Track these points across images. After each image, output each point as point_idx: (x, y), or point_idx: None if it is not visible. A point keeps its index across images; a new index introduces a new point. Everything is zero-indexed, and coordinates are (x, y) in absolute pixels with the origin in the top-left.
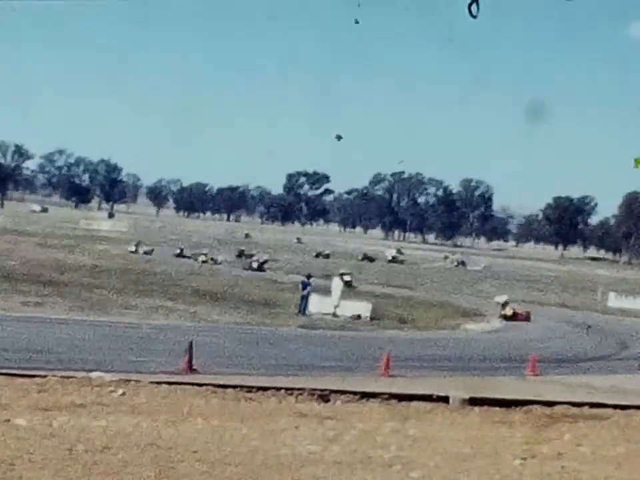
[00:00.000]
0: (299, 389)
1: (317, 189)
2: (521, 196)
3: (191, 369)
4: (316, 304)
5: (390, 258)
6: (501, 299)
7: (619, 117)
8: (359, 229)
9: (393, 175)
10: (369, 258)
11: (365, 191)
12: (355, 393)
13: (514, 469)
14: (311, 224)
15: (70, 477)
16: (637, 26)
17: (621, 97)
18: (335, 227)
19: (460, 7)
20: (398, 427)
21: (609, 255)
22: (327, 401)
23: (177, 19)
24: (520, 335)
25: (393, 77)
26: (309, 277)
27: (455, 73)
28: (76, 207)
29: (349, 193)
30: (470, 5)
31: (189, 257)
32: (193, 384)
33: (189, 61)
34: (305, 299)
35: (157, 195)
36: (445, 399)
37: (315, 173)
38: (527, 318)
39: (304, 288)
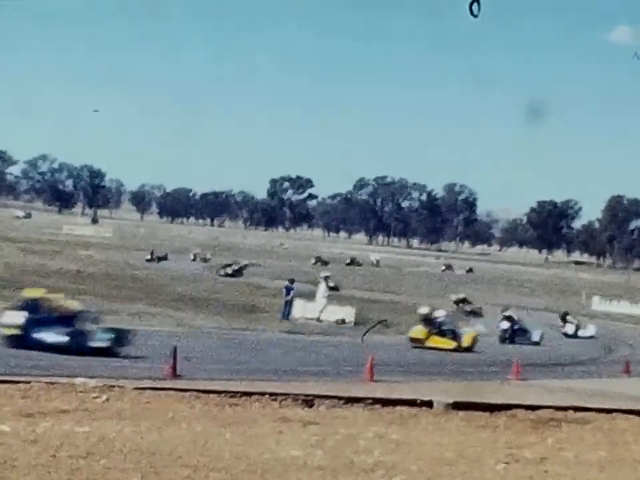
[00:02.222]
0: (282, 394)
1: (300, 193)
2: (504, 200)
3: (174, 374)
4: (300, 309)
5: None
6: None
7: (602, 121)
8: (342, 234)
9: (376, 179)
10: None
11: (348, 196)
12: (339, 398)
13: (496, 473)
14: (295, 229)
15: None
16: (617, 32)
17: (605, 101)
18: (318, 232)
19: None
20: (381, 431)
21: (593, 259)
22: (311, 406)
23: (171, 25)
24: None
25: (377, 82)
26: (292, 281)
27: (439, 78)
28: (59, 212)
29: (332, 197)
30: (471, 4)
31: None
32: (176, 389)
33: (174, 69)
34: (288, 304)
35: (140, 201)
36: (428, 404)
37: (299, 178)
38: None
39: (287, 293)
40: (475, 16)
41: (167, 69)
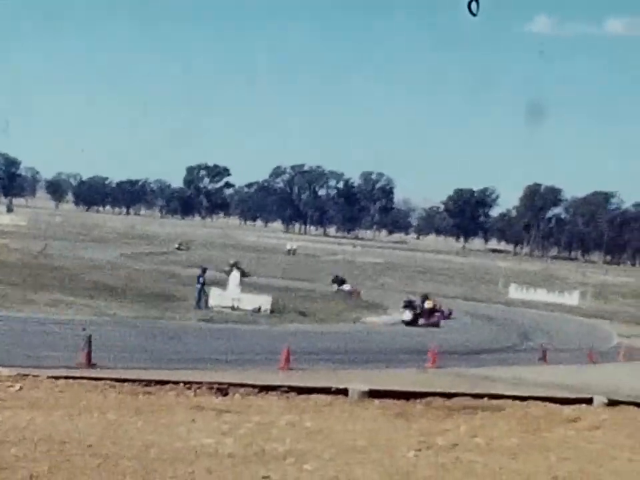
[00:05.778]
0: (197, 383)
1: (217, 182)
2: (422, 188)
3: (89, 363)
4: (216, 297)
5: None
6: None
7: (519, 108)
8: (259, 222)
9: (293, 167)
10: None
11: (265, 184)
12: (253, 386)
13: (408, 460)
14: (211, 217)
15: None
16: (537, 21)
17: (523, 90)
18: (235, 220)
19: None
20: (295, 419)
21: (510, 247)
22: (226, 394)
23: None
24: (421, 328)
25: (289, 70)
26: (203, 270)
27: (359, 64)
28: None
29: (249, 186)
30: (470, 3)
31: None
32: (91, 378)
33: (82, 49)
34: (201, 292)
35: (56, 189)
36: (344, 392)
37: (215, 166)
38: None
39: (199, 282)
40: (474, 15)
41: (74, 49)
